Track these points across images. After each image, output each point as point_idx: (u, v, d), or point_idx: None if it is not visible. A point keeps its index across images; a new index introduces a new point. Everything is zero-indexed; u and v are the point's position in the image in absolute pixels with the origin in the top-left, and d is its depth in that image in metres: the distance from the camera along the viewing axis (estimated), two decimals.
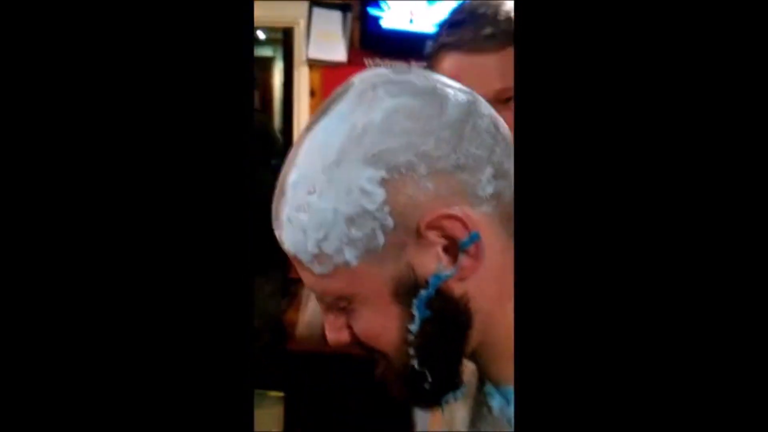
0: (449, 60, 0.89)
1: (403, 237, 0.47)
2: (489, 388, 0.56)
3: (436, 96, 0.49)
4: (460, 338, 0.51)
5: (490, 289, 0.50)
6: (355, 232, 0.47)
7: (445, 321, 0.50)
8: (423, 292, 0.49)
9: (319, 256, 0.48)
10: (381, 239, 0.47)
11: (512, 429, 0.52)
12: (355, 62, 2.68)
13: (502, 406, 0.54)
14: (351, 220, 0.46)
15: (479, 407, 0.58)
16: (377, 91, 0.48)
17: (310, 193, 0.47)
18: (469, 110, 0.48)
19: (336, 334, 0.53)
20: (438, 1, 2.55)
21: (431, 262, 0.48)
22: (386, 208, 0.46)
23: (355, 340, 0.53)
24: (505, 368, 0.52)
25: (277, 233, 0.50)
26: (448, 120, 0.47)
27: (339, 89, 0.51)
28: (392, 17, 2.60)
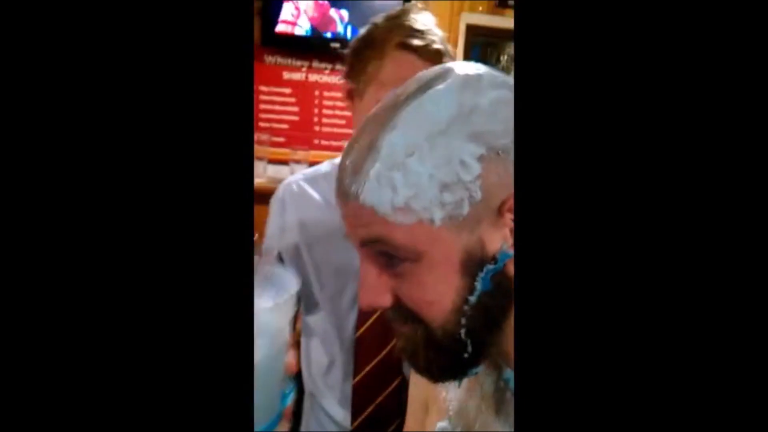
0: (406, 59, 1.02)
1: (483, 212, 0.52)
2: (509, 373, 0.60)
3: None
4: (504, 313, 0.55)
5: None
6: (447, 197, 0.51)
7: (499, 295, 0.54)
8: (490, 266, 0.53)
9: (405, 210, 0.51)
10: (466, 209, 0.51)
11: None
12: (256, 59, 2.64)
13: None
14: (445, 186, 0.50)
15: (500, 394, 0.62)
16: (482, 80, 0.54)
17: (408, 155, 0.50)
18: None
19: (376, 297, 0.55)
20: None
21: (498, 241, 0.53)
22: (478, 182, 0.51)
23: (397, 305, 0.55)
24: None
25: (351, 187, 0.52)
26: None
27: (436, 71, 0.56)
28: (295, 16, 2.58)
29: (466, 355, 0.55)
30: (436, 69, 0.56)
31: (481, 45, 2.93)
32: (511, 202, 0.52)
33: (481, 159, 0.51)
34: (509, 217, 0.52)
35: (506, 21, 2.86)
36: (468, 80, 0.54)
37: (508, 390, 0.60)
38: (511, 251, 0.53)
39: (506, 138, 0.51)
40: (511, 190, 0.52)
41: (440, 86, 0.53)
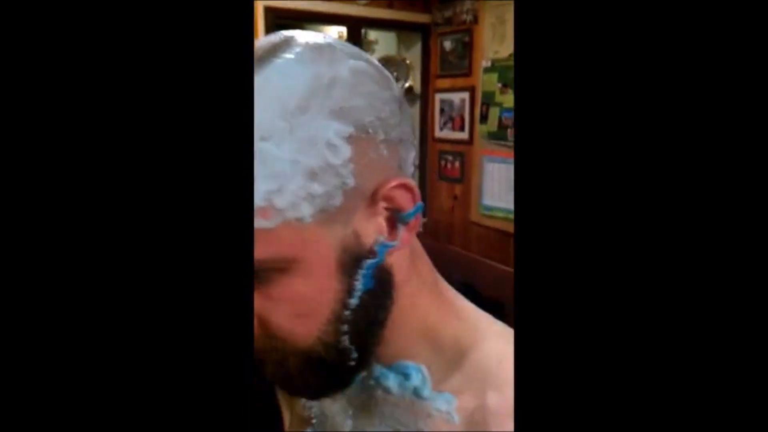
0: None
1: (357, 201, 0.45)
2: (378, 370, 0.54)
3: (383, 71, 0.49)
4: (387, 310, 0.50)
5: (405, 263, 0.50)
6: (316, 187, 0.43)
7: (381, 292, 0.49)
8: (371, 260, 0.47)
9: (266, 210, 0.43)
10: (339, 199, 0.44)
11: (418, 400, 0.52)
12: None
13: (401, 381, 0.53)
14: (313, 174, 0.43)
15: (370, 392, 0.56)
16: (336, 49, 0.46)
17: (263, 139, 0.42)
18: (402, 93, 0.49)
19: None
20: None
21: (373, 233, 0.47)
22: (350, 166, 0.44)
23: (264, 331, 0.48)
24: (403, 342, 0.52)
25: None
26: (394, 95, 0.47)
27: (272, 40, 0.46)
28: None
29: (351, 363, 0.49)
30: (273, 38, 0.47)
31: (281, 28, 3.07)
32: (386, 187, 0.45)
33: (350, 139, 0.43)
34: (383, 206, 0.46)
35: (305, 3, 2.91)
36: (320, 48, 0.45)
37: (379, 388, 0.54)
38: (389, 242, 0.46)
39: (371, 114, 0.45)
40: (382, 173, 0.46)
41: (287, 55, 0.44)
